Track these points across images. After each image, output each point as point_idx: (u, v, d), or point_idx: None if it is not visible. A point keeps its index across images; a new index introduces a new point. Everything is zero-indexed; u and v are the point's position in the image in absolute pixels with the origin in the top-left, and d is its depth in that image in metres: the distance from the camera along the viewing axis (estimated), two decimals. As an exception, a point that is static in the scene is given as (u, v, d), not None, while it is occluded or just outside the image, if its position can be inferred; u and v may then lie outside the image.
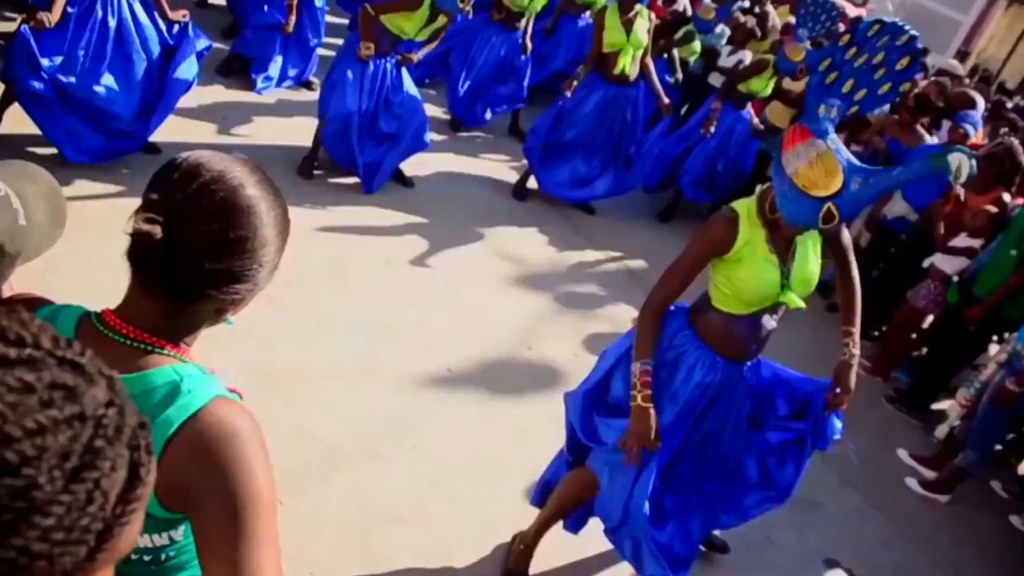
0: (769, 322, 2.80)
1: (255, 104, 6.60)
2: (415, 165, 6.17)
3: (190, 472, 1.14)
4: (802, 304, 2.73)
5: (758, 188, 2.70)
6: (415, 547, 3.22)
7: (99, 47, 4.60)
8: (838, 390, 2.89)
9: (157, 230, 1.13)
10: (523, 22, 7.31)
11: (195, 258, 1.18)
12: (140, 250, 1.17)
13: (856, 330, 2.93)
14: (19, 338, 0.63)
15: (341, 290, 4.68)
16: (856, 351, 2.90)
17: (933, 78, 8.72)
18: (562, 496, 3.10)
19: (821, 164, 2.38)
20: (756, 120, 7.09)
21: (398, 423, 3.82)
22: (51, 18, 4.33)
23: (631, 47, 6.17)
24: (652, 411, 2.68)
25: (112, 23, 4.65)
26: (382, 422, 3.80)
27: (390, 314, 4.61)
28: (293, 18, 6.46)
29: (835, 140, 2.45)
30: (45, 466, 0.59)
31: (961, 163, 2.26)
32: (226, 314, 1.29)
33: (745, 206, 2.64)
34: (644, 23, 6.21)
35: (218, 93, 6.53)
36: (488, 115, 7.50)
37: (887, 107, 7.14)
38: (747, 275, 2.65)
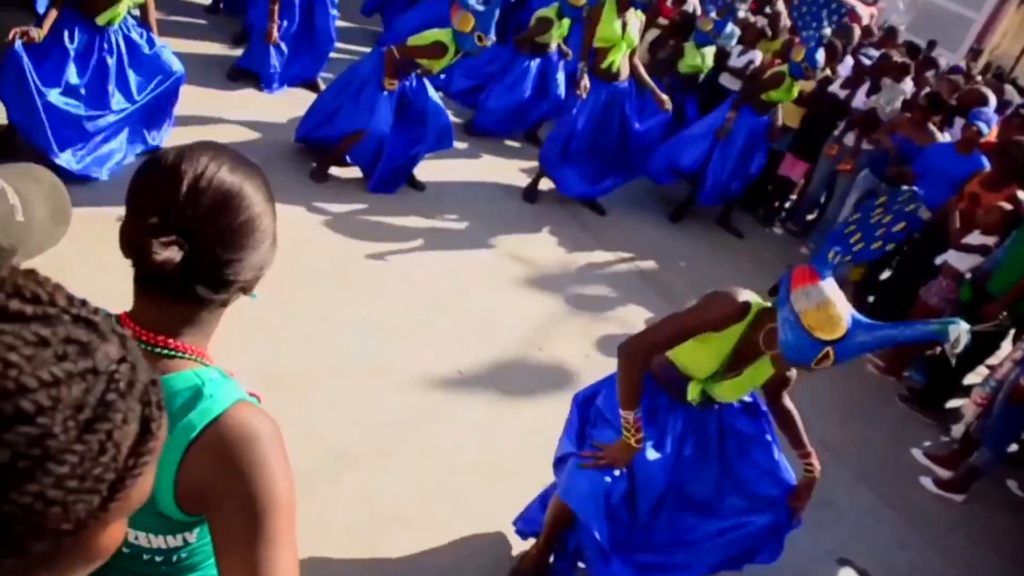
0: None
1: (260, 104, 6.62)
2: (425, 165, 6.17)
3: (211, 475, 1.15)
4: (695, 397, 2.78)
5: (769, 303, 2.68)
6: (423, 549, 3.21)
7: (99, 83, 4.65)
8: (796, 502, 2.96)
9: (176, 254, 1.13)
10: (552, 47, 7.41)
11: (212, 256, 1.18)
12: (155, 273, 1.16)
13: (811, 450, 2.95)
14: (35, 296, 0.66)
15: (349, 291, 4.68)
16: (817, 466, 2.93)
17: (946, 76, 8.67)
18: (553, 510, 3.09)
19: (826, 310, 2.43)
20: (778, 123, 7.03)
21: (406, 424, 3.82)
22: (40, 33, 4.31)
23: (624, 44, 6.19)
24: (635, 451, 2.72)
25: (111, 61, 4.68)
26: (390, 423, 3.79)
27: (398, 315, 4.61)
28: (274, 26, 6.42)
29: (833, 288, 2.49)
30: (59, 416, 0.62)
31: (960, 336, 2.33)
32: (244, 295, 1.31)
33: (756, 308, 2.65)
34: (637, 23, 6.27)
35: (223, 94, 6.55)
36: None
37: (899, 105, 7.11)
38: (693, 350, 2.69)
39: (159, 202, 1.16)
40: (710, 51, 7.91)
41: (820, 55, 6.47)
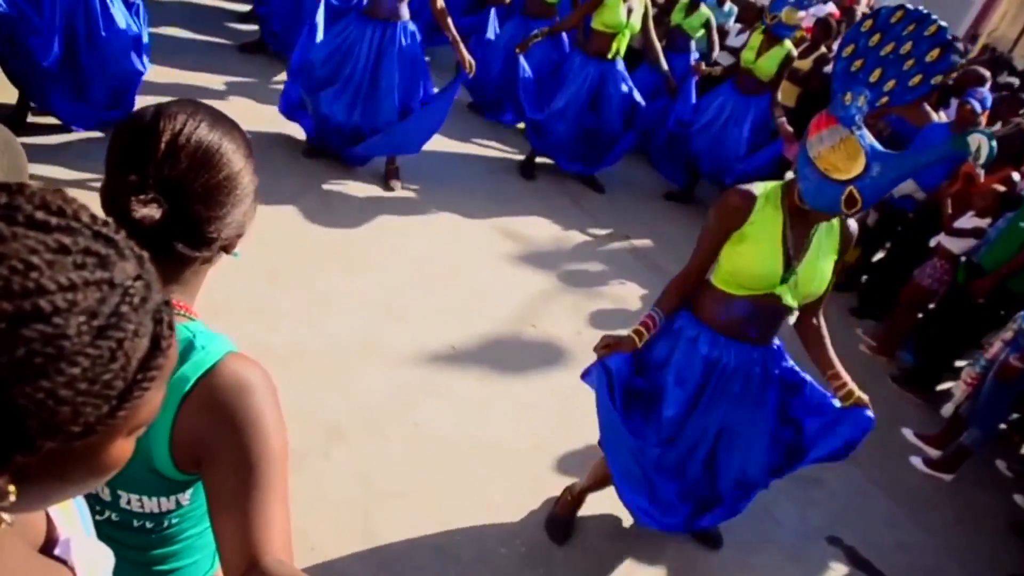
0: (772, 311, 2.75)
1: (256, 88, 6.58)
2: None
3: (205, 427, 1.15)
4: (792, 302, 2.68)
5: (787, 175, 2.68)
6: (417, 524, 3.22)
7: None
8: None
9: (156, 211, 1.13)
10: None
11: (195, 214, 1.18)
12: (136, 231, 1.16)
13: (841, 370, 2.81)
14: (60, 209, 0.69)
15: (343, 268, 4.67)
16: (851, 385, 2.78)
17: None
18: (594, 468, 3.24)
19: (843, 148, 2.38)
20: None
21: (400, 400, 3.82)
22: None
23: (628, 31, 6.16)
24: (637, 345, 2.80)
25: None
26: (384, 399, 3.80)
27: (393, 292, 4.61)
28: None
29: (860, 127, 2.41)
30: (74, 320, 0.65)
31: (981, 144, 2.29)
32: (227, 252, 1.30)
33: (768, 187, 2.64)
34: (640, 10, 6.23)
35: (221, 78, 6.52)
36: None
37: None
38: (749, 254, 2.64)
39: (137, 160, 1.15)
40: (702, 15, 7.83)
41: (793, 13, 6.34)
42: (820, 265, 2.68)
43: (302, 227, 4.92)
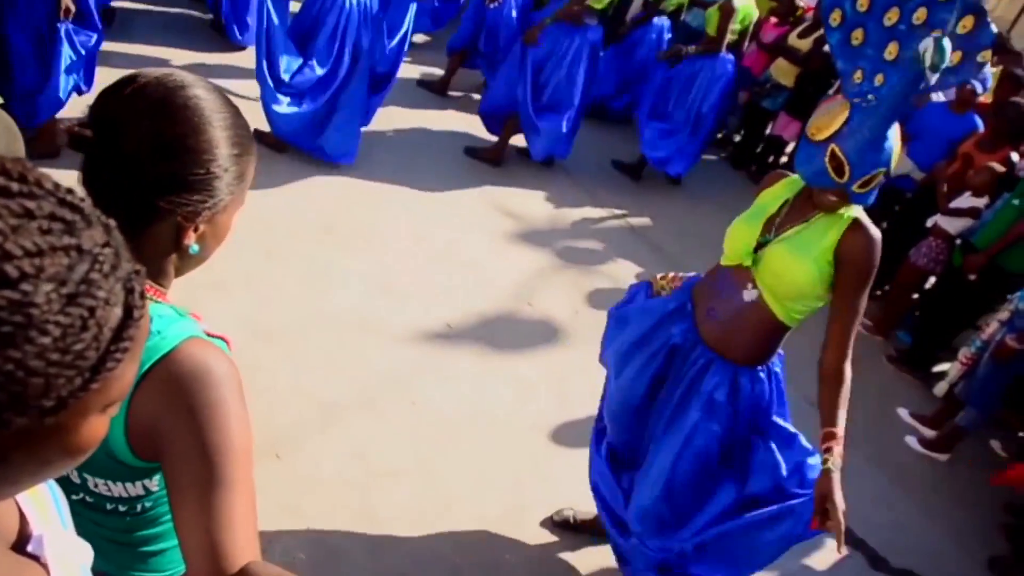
0: (737, 292, 2.46)
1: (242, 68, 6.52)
2: (419, 119, 6.09)
3: (161, 415, 1.09)
4: (760, 284, 2.39)
5: None
6: (414, 502, 3.22)
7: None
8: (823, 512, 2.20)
9: (87, 131, 1.08)
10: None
11: (134, 161, 1.09)
12: (86, 167, 1.11)
13: (839, 430, 2.24)
14: (22, 176, 0.66)
15: (338, 245, 4.65)
16: (838, 459, 2.20)
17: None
18: None
19: (831, 112, 2.26)
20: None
21: (397, 378, 3.81)
22: None
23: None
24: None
25: None
26: (381, 377, 3.78)
27: (389, 269, 4.58)
28: None
29: (868, 102, 2.21)
30: (43, 287, 0.62)
31: (927, 48, 2.06)
32: (188, 239, 1.18)
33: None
34: None
35: (206, 55, 6.46)
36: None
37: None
38: (740, 219, 2.50)
39: (103, 96, 1.11)
40: None
41: None
42: (795, 255, 2.32)
43: (299, 204, 4.89)
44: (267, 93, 5.11)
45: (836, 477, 2.17)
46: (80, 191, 0.70)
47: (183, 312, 1.21)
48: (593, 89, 6.44)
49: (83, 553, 0.90)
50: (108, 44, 4.93)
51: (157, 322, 1.13)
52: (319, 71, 5.26)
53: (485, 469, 3.48)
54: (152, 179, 1.11)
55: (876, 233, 2.29)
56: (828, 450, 2.20)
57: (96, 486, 1.20)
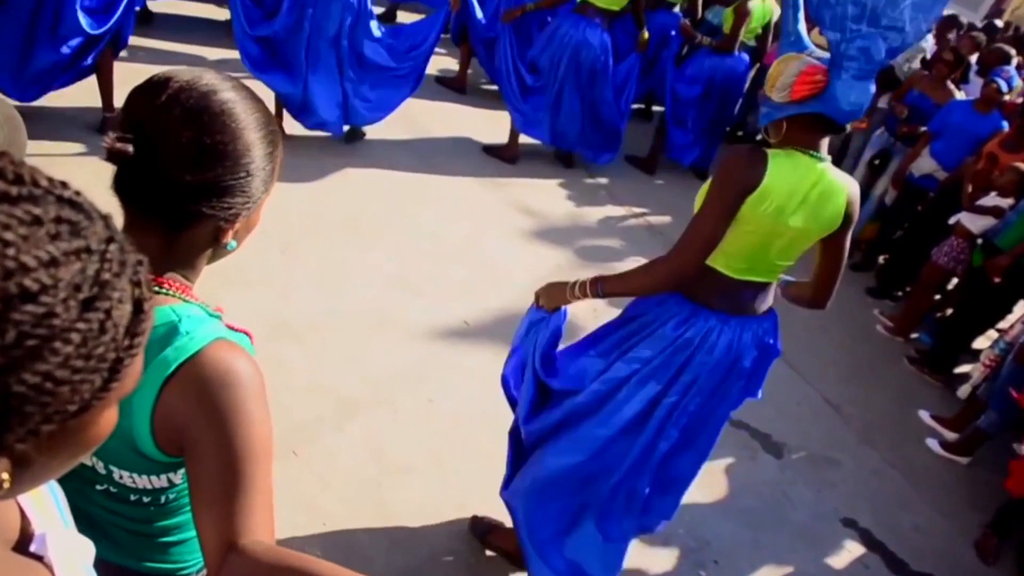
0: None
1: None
2: (439, 115, 6.08)
3: (186, 415, 1.11)
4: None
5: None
6: (429, 499, 3.21)
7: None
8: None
9: (128, 147, 1.07)
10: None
11: (175, 172, 1.10)
12: (120, 176, 1.12)
13: (607, 283, 2.41)
14: (17, 176, 0.64)
15: (357, 241, 4.65)
16: (579, 283, 2.43)
17: (968, 33, 8.50)
18: None
19: (781, 65, 2.24)
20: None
21: (414, 375, 3.80)
22: None
23: None
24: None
25: None
26: (397, 374, 3.78)
27: (406, 266, 4.58)
28: None
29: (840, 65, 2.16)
30: (61, 295, 0.62)
31: None
32: (226, 238, 1.22)
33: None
34: None
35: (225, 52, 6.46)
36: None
37: (917, 64, 6.97)
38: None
39: (136, 104, 1.12)
40: None
41: None
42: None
43: (317, 199, 4.89)
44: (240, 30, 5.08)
45: (563, 284, 2.48)
46: (73, 184, 0.69)
47: (211, 312, 1.23)
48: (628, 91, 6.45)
49: (86, 551, 0.90)
50: (133, 39, 4.93)
51: (186, 322, 1.15)
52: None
53: (501, 466, 3.46)
54: (194, 188, 1.13)
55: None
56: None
57: (121, 478, 1.22)
